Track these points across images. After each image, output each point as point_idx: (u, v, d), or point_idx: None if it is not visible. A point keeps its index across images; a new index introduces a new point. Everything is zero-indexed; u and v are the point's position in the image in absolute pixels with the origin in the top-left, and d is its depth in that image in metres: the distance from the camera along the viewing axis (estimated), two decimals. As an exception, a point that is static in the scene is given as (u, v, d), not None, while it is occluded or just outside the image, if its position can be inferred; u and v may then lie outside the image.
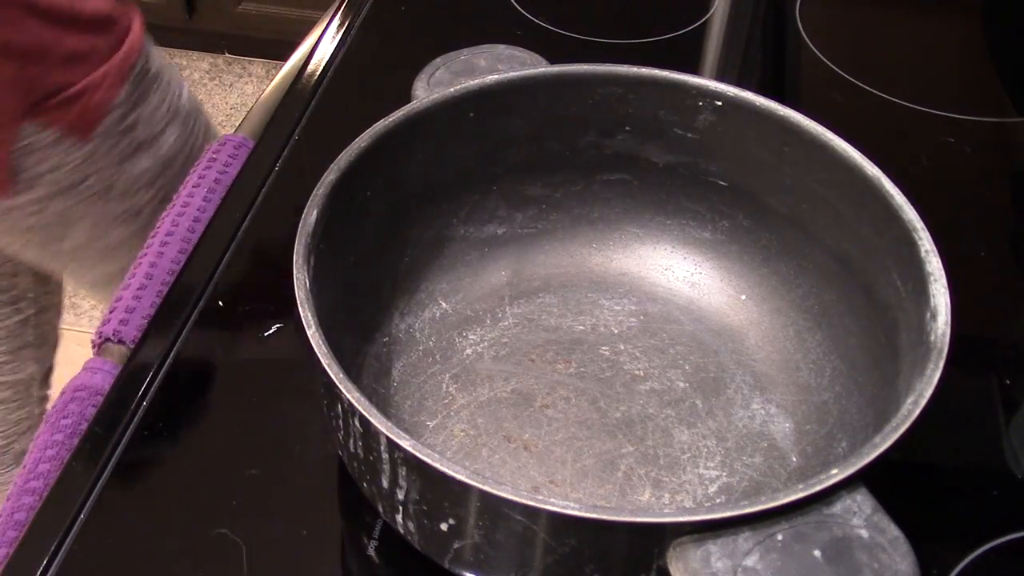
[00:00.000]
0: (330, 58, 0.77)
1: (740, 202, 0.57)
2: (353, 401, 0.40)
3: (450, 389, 0.54)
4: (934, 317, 0.44)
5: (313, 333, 0.42)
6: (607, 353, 0.56)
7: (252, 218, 0.64)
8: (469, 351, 0.55)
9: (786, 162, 0.53)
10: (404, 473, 0.41)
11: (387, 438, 0.39)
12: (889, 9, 0.88)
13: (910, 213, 0.48)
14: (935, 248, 0.46)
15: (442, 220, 0.57)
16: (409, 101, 0.53)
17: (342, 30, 0.80)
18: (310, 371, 0.45)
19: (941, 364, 0.42)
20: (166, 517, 0.49)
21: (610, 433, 0.52)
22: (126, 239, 0.85)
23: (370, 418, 0.39)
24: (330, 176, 0.48)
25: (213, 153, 0.71)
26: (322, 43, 0.79)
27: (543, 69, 0.56)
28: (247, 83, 1.93)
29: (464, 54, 0.58)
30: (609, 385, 0.54)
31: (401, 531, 0.45)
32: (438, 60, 0.57)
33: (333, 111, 0.73)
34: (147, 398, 0.54)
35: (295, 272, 0.44)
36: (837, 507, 0.38)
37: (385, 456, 0.41)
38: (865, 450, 0.39)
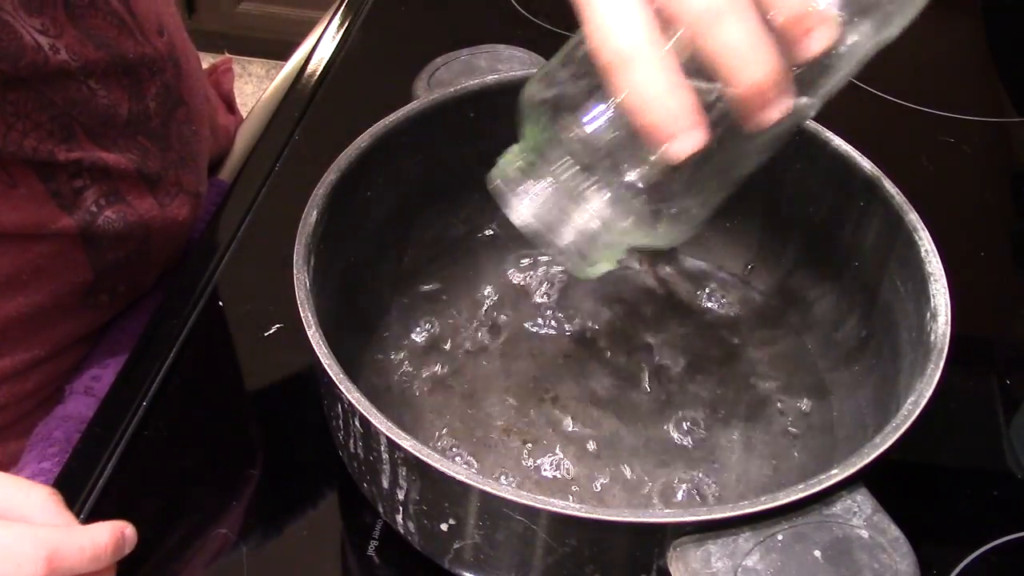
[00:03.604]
0: (330, 58, 0.77)
1: (739, 202, 0.56)
2: (353, 401, 0.40)
3: (450, 388, 0.54)
4: (934, 317, 0.44)
5: (313, 333, 0.42)
6: (608, 351, 0.56)
7: (252, 218, 0.64)
8: (469, 351, 0.55)
9: (786, 162, 0.53)
10: (404, 473, 0.41)
11: (387, 438, 0.39)
12: (889, 9, 0.88)
13: (910, 213, 0.48)
14: (935, 248, 0.46)
15: (442, 220, 0.57)
16: (409, 101, 0.53)
17: (342, 30, 0.80)
18: (310, 371, 0.45)
19: (941, 364, 0.42)
20: (166, 517, 0.49)
21: (611, 431, 0.52)
22: None
23: (370, 418, 0.39)
24: (330, 176, 0.48)
25: None
26: (322, 43, 0.79)
27: (543, 69, 0.55)
28: (247, 83, 1.93)
29: (464, 54, 0.57)
30: (610, 383, 0.54)
31: (401, 531, 0.45)
32: (438, 60, 0.57)
33: (333, 111, 0.73)
34: (147, 398, 0.54)
35: (295, 272, 0.44)
36: (837, 507, 0.38)
37: (385, 456, 0.41)
38: (865, 450, 0.39)
